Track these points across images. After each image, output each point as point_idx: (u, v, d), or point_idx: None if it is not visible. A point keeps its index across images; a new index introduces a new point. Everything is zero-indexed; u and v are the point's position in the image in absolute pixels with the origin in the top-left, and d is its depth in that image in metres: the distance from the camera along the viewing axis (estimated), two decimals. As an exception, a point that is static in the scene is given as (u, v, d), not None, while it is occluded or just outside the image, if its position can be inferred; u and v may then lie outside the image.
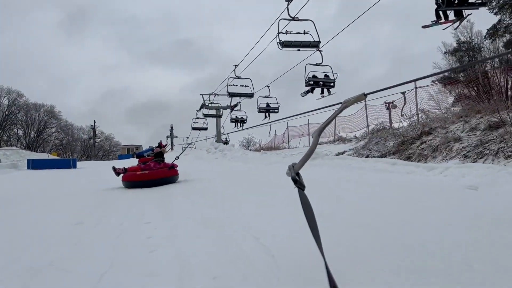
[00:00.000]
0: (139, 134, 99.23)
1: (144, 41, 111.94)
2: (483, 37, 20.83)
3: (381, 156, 11.33)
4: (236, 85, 23.06)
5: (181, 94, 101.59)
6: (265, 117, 23.74)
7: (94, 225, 4.32)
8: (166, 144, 10.73)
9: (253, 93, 23.31)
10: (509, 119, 8.58)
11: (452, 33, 22.45)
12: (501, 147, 7.86)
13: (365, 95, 2.48)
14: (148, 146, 12.08)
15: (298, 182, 1.96)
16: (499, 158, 7.65)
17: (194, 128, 29.94)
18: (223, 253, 2.88)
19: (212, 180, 9.16)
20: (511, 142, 7.75)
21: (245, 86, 23.13)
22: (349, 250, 2.72)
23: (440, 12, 11.20)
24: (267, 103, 23.66)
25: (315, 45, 16.06)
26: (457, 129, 10.30)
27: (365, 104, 19.93)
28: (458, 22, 11.24)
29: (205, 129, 29.84)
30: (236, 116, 26.56)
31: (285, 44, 15.68)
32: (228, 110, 26.69)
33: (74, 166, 21.05)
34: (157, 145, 10.55)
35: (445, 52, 25.78)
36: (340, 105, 2.44)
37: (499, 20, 18.67)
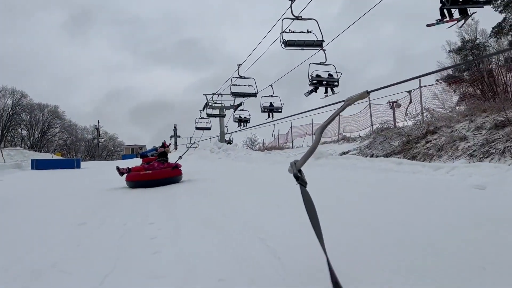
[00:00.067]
0: (142, 134, 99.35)
1: (148, 41, 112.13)
2: (488, 36, 20.68)
3: (386, 156, 11.26)
4: (240, 85, 23.02)
5: (185, 94, 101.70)
6: (268, 116, 23.69)
7: (97, 226, 4.28)
8: (170, 144, 10.70)
9: (257, 93, 23.26)
10: (515, 118, 8.50)
11: (457, 32, 22.33)
12: (508, 146, 7.79)
13: (368, 92, 2.45)
14: (152, 146, 12.10)
15: (300, 179, 1.96)
16: (505, 157, 7.58)
17: (197, 128, 29.88)
18: (228, 254, 2.83)
19: (215, 180, 9.11)
20: (518, 141, 7.67)
21: (249, 85, 23.09)
22: (349, 249, 2.70)
23: (445, 11, 11.12)
24: (271, 103, 23.61)
25: (318, 44, 15.98)
26: (462, 128, 10.23)
27: (369, 103, 19.85)
28: (462, 21, 11.16)
29: (209, 129, 29.77)
30: (240, 116, 26.50)
31: (288, 43, 15.61)
32: (232, 110, 26.64)
33: (78, 166, 21.05)
34: (160, 145, 10.54)
35: (450, 51, 25.65)
36: (343, 102, 2.42)
37: (504, 18, 18.51)
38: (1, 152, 20.98)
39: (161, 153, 9.87)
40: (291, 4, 14.87)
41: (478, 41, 22.12)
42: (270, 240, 3.06)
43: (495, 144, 8.19)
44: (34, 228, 4.32)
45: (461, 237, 2.78)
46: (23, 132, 61.02)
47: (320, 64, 17.00)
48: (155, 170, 8.96)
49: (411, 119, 14.14)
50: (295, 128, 28.07)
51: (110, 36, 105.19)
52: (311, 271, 2.29)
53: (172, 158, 10.58)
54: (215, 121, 28.09)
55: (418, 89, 16.19)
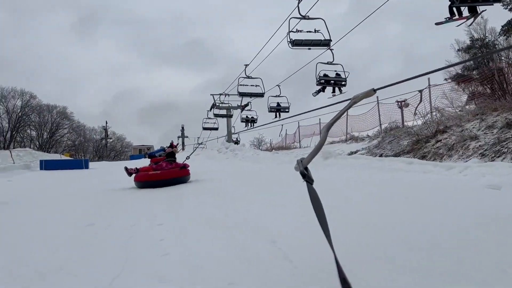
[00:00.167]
0: (150, 135, 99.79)
1: (155, 42, 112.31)
2: (497, 34, 20.50)
3: (395, 155, 11.16)
4: (247, 85, 23.04)
5: (192, 95, 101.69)
6: (276, 116, 23.63)
7: (105, 227, 4.25)
8: (178, 144, 10.69)
9: (264, 93, 23.25)
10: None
11: (465, 30, 22.13)
12: (521, 145, 7.66)
13: (374, 90, 2.40)
14: (160, 146, 12.09)
15: (306, 176, 1.95)
16: (518, 157, 7.46)
17: (205, 128, 29.95)
18: (238, 257, 2.76)
19: (223, 180, 9.08)
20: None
21: (256, 85, 23.10)
22: (356, 248, 2.66)
23: (454, 9, 11.01)
24: (278, 103, 23.57)
25: (326, 43, 15.91)
26: (473, 127, 10.09)
27: (377, 102, 19.72)
28: (472, 19, 11.05)
29: (216, 129, 29.81)
30: (247, 116, 26.50)
31: (295, 43, 15.56)
32: (239, 110, 26.63)
33: (86, 167, 21.12)
34: (168, 145, 10.53)
35: (458, 50, 25.43)
36: (349, 101, 2.39)
37: (514, 16, 18.32)
38: (11, 153, 21.12)
39: (169, 153, 9.86)
40: (298, 3, 14.82)
41: (487, 40, 21.91)
42: (280, 241, 3.00)
43: (507, 143, 8.06)
44: (41, 229, 4.30)
45: (474, 238, 2.71)
46: (32, 133, 61.56)
47: (327, 63, 16.92)
48: (163, 170, 8.96)
49: (421, 118, 14.04)
50: (303, 128, 28.02)
51: (117, 37, 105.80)
52: (323, 275, 2.22)
53: (179, 158, 10.55)
54: (222, 121, 28.13)
55: (427, 88, 16.05)
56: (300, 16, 15.01)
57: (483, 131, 9.57)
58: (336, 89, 17.83)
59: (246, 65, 22.48)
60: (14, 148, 40.49)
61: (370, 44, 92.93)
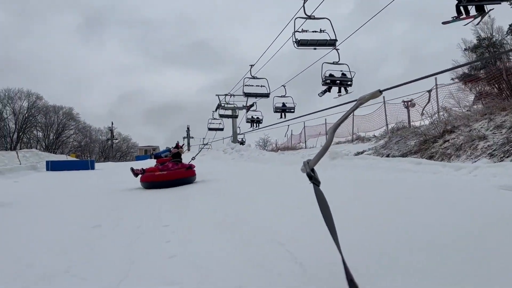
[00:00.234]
0: (156, 135, 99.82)
1: (161, 43, 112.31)
2: (505, 33, 20.33)
3: (402, 156, 11.07)
4: (252, 85, 22.99)
5: (197, 95, 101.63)
6: (281, 117, 23.58)
7: (111, 228, 4.23)
8: (183, 145, 10.67)
9: (269, 93, 23.19)
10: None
11: (472, 30, 21.99)
12: (530, 145, 7.56)
13: (380, 91, 2.35)
14: (165, 147, 12.09)
15: (313, 178, 1.94)
16: (528, 157, 7.36)
17: (210, 129, 29.96)
18: (246, 260, 2.71)
19: (229, 181, 9.05)
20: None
21: (261, 86, 23.05)
22: (365, 249, 2.63)
23: (461, 8, 10.92)
24: (283, 103, 23.52)
25: (331, 43, 15.82)
26: (481, 127, 9.98)
27: (384, 102, 19.61)
28: (479, 18, 10.95)
29: (221, 129, 29.81)
30: (252, 116, 26.46)
31: (301, 43, 15.48)
32: (244, 111, 26.59)
33: (92, 168, 21.15)
34: (174, 145, 10.52)
35: (465, 49, 25.27)
36: (355, 102, 2.35)
37: (522, 15, 18.13)
38: (17, 154, 21.22)
39: (175, 153, 9.86)
40: (304, 3, 14.75)
41: (494, 39, 21.75)
42: (288, 243, 2.94)
43: (516, 143, 7.96)
44: (47, 231, 4.28)
45: (489, 241, 2.65)
46: (38, 134, 61.80)
47: (333, 63, 16.83)
48: (169, 171, 9.00)
49: (428, 118, 13.92)
50: (308, 128, 27.90)
51: (123, 38, 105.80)
52: (333, 278, 2.17)
53: (185, 158, 10.54)
54: (228, 122, 28.12)
55: (434, 88, 15.93)
56: (306, 16, 14.93)
57: (492, 131, 9.46)
58: (342, 89, 17.73)
59: (252, 66, 22.45)
60: (20, 149, 40.73)
61: (376, 44, 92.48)
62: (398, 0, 11.55)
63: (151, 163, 13.88)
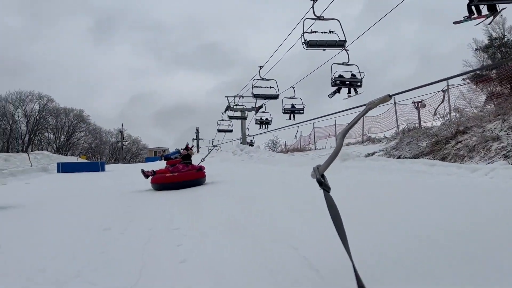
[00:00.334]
0: (165, 137, 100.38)
1: (171, 46, 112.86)
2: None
3: (414, 157, 10.96)
4: (261, 87, 22.96)
5: (207, 97, 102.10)
6: (290, 118, 23.49)
7: (122, 231, 4.19)
8: (193, 146, 10.69)
9: (278, 94, 23.14)
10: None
11: (483, 30, 21.78)
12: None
13: (390, 96, 2.30)
14: (175, 148, 12.10)
15: (323, 184, 1.91)
16: (544, 158, 7.22)
17: (219, 130, 30.01)
18: (260, 265, 2.64)
19: (239, 182, 9.01)
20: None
21: (270, 87, 23.01)
22: (375, 252, 2.57)
23: (473, 7, 10.79)
24: (292, 104, 23.44)
25: (341, 44, 15.72)
26: (495, 128, 9.84)
27: (394, 103, 19.44)
28: (491, 17, 10.81)
29: (230, 131, 29.83)
30: (261, 118, 26.45)
31: (310, 44, 15.41)
32: (253, 112, 26.56)
33: (103, 169, 21.21)
34: (183, 147, 10.53)
35: (476, 49, 25.00)
36: (365, 106, 2.31)
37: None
38: (28, 156, 21.41)
39: (185, 155, 9.87)
40: (313, 4, 14.69)
41: (506, 39, 21.48)
42: (303, 248, 2.87)
43: (532, 145, 7.83)
44: (58, 234, 4.26)
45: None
46: (49, 136, 62.47)
47: (342, 64, 16.71)
48: (180, 173, 9.03)
49: (440, 119, 13.77)
50: (318, 129, 27.76)
51: (133, 41, 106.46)
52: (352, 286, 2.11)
53: (194, 160, 10.54)
54: (237, 123, 28.11)
55: (446, 88, 15.75)
56: (315, 17, 14.88)
57: (506, 132, 9.32)
58: (352, 90, 17.61)
59: (261, 67, 22.43)
60: (32, 151, 41.15)
61: (385, 45, 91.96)
62: (408, 0, 11.46)
63: (161, 164, 13.90)
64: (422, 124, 17.70)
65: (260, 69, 22.51)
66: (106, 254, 3.22)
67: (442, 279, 2.10)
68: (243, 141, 26.60)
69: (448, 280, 2.08)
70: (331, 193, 1.85)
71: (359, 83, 17.17)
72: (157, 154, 51.62)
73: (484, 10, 10.70)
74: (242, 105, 27.04)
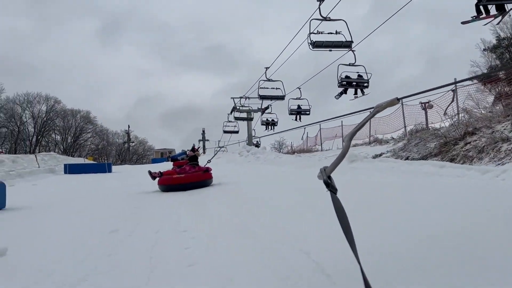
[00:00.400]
0: (171, 138, 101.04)
1: (177, 48, 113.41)
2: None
3: (422, 158, 10.84)
4: (267, 88, 22.95)
5: (213, 99, 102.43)
6: (296, 119, 23.43)
7: (129, 233, 4.16)
8: (199, 148, 10.69)
9: (284, 95, 23.11)
10: None
11: (491, 30, 21.59)
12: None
13: (398, 99, 2.26)
14: (181, 149, 12.13)
15: (330, 186, 1.87)
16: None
17: (225, 132, 30.02)
18: (269, 270, 2.59)
19: (246, 184, 8.97)
20: None
21: (276, 88, 22.98)
22: (384, 254, 2.50)
23: (481, 7, 10.70)
24: (298, 105, 23.39)
25: (347, 45, 15.67)
26: (504, 129, 9.71)
27: (402, 104, 19.31)
28: (500, 17, 10.71)
29: (236, 132, 29.83)
30: (267, 119, 26.46)
31: (316, 45, 15.37)
32: (259, 113, 26.54)
33: (110, 171, 21.25)
34: (190, 148, 10.54)
35: (484, 49, 24.79)
36: (372, 109, 2.27)
37: (544, 15, 17.68)
38: (36, 157, 21.50)
39: (192, 157, 9.88)
40: (320, 5, 14.65)
41: (514, 39, 21.27)
42: (313, 252, 2.81)
43: (543, 146, 7.71)
44: (65, 235, 4.25)
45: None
46: (56, 137, 62.90)
47: (349, 65, 16.62)
48: (187, 174, 9.09)
49: (448, 119, 13.65)
50: (324, 130, 27.67)
51: (140, 43, 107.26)
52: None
53: (201, 161, 10.54)
54: (243, 125, 28.09)
55: (454, 89, 15.61)
56: (321, 18, 14.84)
57: (516, 133, 9.19)
58: (359, 90, 17.51)
59: (267, 68, 22.45)
60: (39, 152, 41.38)
61: (392, 45, 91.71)
62: (415, 1, 11.38)
63: (167, 166, 13.90)
64: (429, 125, 17.56)
65: (266, 70, 22.54)
66: (113, 257, 3.19)
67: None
68: (249, 142, 26.58)
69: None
70: (338, 195, 1.82)
71: (365, 84, 17.07)
72: (164, 155, 51.77)
73: (493, 10, 10.60)
74: (248, 106, 27.04)
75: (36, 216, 5.97)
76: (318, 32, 15.28)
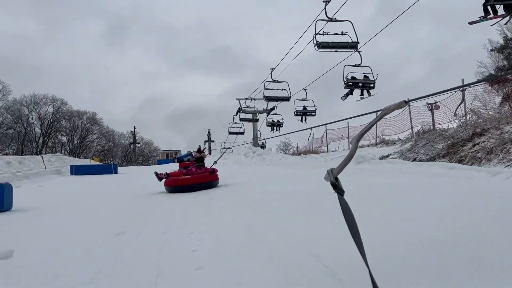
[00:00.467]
0: (177, 139, 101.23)
1: (182, 49, 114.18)
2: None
3: (430, 159, 10.75)
4: (273, 89, 22.93)
5: (219, 100, 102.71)
6: (302, 120, 23.38)
7: (135, 235, 4.14)
8: (205, 149, 10.68)
9: (290, 97, 23.07)
10: None
11: (498, 30, 21.41)
12: None
13: (406, 102, 2.22)
14: (187, 151, 12.15)
15: (337, 187, 1.84)
16: None
17: (231, 133, 30.05)
18: (279, 273, 2.53)
19: (253, 185, 8.93)
20: None
21: (282, 89, 22.97)
22: (394, 257, 2.46)
23: (489, 7, 10.61)
24: (304, 106, 23.34)
25: (353, 46, 15.63)
26: (513, 130, 9.60)
27: (408, 105, 19.19)
28: (508, 17, 10.61)
29: (242, 133, 29.87)
30: (273, 120, 26.42)
31: (322, 45, 15.34)
32: (265, 114, 26.51)
33: (116, 172, 21.30)
34: (196, 150, 10.53)
35: (491, 50, 24.60)
36: (380, 112, 2.24)
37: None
38: (42, 158, 21.60)
39: (198, 158, 9.87)
40: (326, 5, 14.62)
41: (522, 39, 21.10)
42: (324, 256, 2.75)
43: (553, 147, 7.60)
44: (71, 237, 4.23)
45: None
46: (63, 138, 63.32)
47: (355, 65, 16.55)
48: (193, 175, 9.08)
49: (455, 120, 13.54)
50: (330, 132, 27.52)
51: (145, 45, 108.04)
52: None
53: (207, 162, 10.53)
54: (248, 126, 28.09)
55: (462, 90, 15.50)
56: (327, 18, 14.81)
57: (525, 134, 9.09)
58: (365, 91, 17.42)
59: (272, 69, 22.44)
60: (46, 153, 41.62)
61: (398, 46, 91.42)
62: (422, 1, 11.32)
63: (173, 167, 13.91)
64: (436, 126, 17.43)
65: (272, 71, 22.51)
66: (120, 260, 3.16)
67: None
68: (255, 144, 26.56)
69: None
70: (345, 196, 1.78)
71: (372, 85, 16.99)
72: (169, 156, 51.80)
73: (501, 9, 10.52)
74: (254, 108, 27.04)
75: (43, 217, 5.97)
76: (324, 33, 15.26)
